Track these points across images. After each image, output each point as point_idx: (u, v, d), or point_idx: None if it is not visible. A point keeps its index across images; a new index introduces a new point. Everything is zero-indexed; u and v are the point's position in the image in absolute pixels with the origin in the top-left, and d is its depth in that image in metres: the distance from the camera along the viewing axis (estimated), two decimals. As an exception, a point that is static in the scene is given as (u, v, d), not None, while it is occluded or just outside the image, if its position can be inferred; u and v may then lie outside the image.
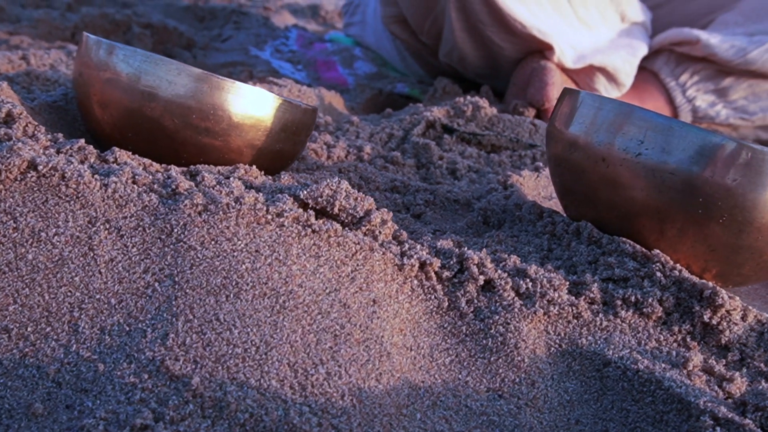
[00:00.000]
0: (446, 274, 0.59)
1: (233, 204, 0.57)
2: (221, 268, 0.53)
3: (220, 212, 0.56)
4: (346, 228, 0.60)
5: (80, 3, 1.82)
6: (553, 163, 0.70)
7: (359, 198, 0.61)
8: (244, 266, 0.54)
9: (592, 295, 0.59)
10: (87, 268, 0.53)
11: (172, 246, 0.54)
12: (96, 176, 0.57)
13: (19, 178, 0.56)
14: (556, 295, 0.58)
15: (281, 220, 0.57)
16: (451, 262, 0.60)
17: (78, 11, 1.69)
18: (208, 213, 0.56)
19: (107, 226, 0.55)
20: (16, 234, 0.53)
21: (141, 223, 0.55)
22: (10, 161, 0.55)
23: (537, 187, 0.91)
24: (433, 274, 0.59)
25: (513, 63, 1.35)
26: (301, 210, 0.58)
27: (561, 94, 0.71)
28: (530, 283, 0.59)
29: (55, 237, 0.54)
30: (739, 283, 0.66)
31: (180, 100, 0.66)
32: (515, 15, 1.22)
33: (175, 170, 0.63)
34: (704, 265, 0.63)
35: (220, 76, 0.68)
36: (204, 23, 1.96)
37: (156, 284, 0.53)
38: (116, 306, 0.52)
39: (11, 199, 0.55)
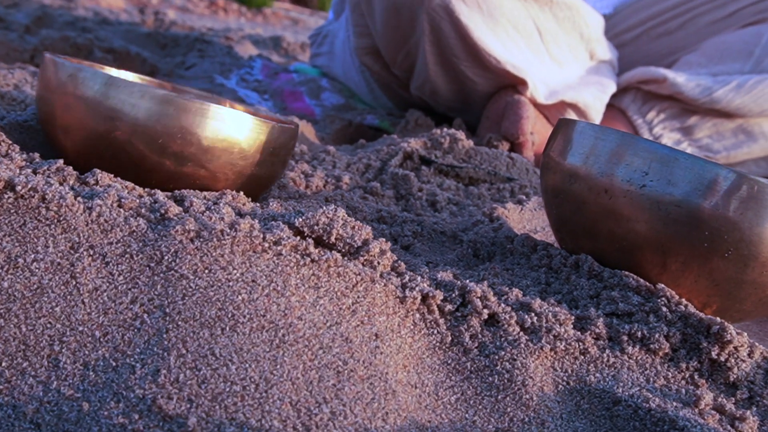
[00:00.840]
0: (448, 307, 0.57)
1: (228, 231, 0.53)
2: (216, 298, 0.50)
3: (214, 239, 0.53)
4: (344, 258, 0.57)
5: (39, 25, 1.77)
6: (549, 194, 0.68)
7: (357, 227, 0.59)
8: (240, 297, 0.50)
9: (597, 330, 0.57)
10: (69, 297, 0.49)
11: (162, 275, 0.51)
12: (79, 199, 0.53)
13: (-6, 200, 0.51)
14: (563, 330, 0.56)
15: (278, 248, 0.54)
16: (453, 295, 0.58)
17: (37, 34, 1.64)
18: (201, 240, 0.53)
19: (91, 253, 0.51)
20: (-10, 260, 0.49)
21: (128, 250, 0.51)
22: (-14, 181, 0.51)
23: (522, 220, 0.89)
24: (435, 307, 0.57)
25: (485, 97, 1.34)
26: (298, 238, 0.55)
27: (557, 124, 0.70)
28: (535, 318, 0.57)
29: (34, 263, 0.49)
30: (738, 319, 0.65)
31: (145, 124, 0.63)
32: (490, 50, 1.22)
33: (161, 194, 0.59)
34: (706, 300, 0.62)
35: (186, 97, 0.65)
36: (166, 50, 1.92)
37: (145, 316, 0.49)
38: (101, 339, 0.47)
39: (-15, 222, 0.51)
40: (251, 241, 0.53)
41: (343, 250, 0.58)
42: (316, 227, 0.57)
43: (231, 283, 0.51)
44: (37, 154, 0.61)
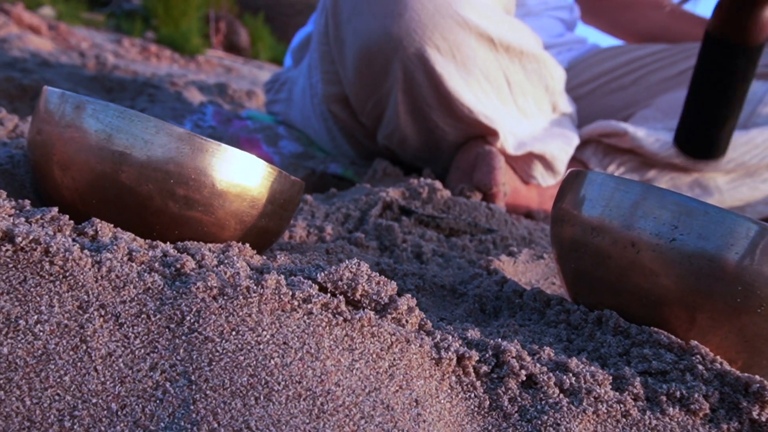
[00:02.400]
0: (484, 368, 0.53)
1: (254, 288, 0.48)
2: (247, 363, 0.45)
3: (240, 297, 0.48)
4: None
5: (-23, 65, 1.67)
6: (566, 247, 0.66)
7: (382, 282, 0.55)
8: (272, 362, 0.45)
9: (635, 390, 0.54)
10: (79, 364, 0.43)
11: (184, 337, 0.45)
12: (86, 252, 0.47)
13: (-10, 253, 0.45)
14: (602, 391, 0.53)
15: (309, 306, 0.49)
16: (487, 355, 0.54)
17: (-23, 73, 1.55)
18: (226, 298, 0.48)
19: (102, 313, 0.45)
20: (-14, 322, 0.43)
21: (144, 310, 0.46)
22: (-19, 231, 0.45)
23: (516, 272, 0.87)
24: (471, 368, 0.53)
25: (454, 147, 1.33)
26: (329, 295, 0.51)
27: (569, 175, 0.68)
28: (573, 378, 0.54)
29: (38, 326, 0.43)
30: (762, 375, 0.63)
31: (158, 163, 0.58)
32: (463, 100, 1.21)
33: (170, 247, 0.54)
34: (733, 356, 0.60)
35: (203, 136, 0.60)
36: (112, 94, 1.85)
37: (168, 384, 0.43)
38: (119, 413, 0.42)
39: (-21, 278, 0.44)
40: (279, 299, 0.49)
41: (368, 307, 0.53)
42: (340, 282, 0.53)
43: (261, 346, 0.46)
44: (27, 201, 0.54)
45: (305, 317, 0.49)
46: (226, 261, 0.53)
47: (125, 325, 0.45)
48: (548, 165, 1.36)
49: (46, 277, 0.45)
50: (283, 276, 0.51)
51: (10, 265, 0.45)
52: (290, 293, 0.49)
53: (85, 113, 0.58)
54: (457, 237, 1.04)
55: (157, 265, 0.49)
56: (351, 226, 0.99)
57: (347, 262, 0.54)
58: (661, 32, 1.84)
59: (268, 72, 6.30)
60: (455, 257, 0.95)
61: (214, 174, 0.59)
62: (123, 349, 0.44)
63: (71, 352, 0.43)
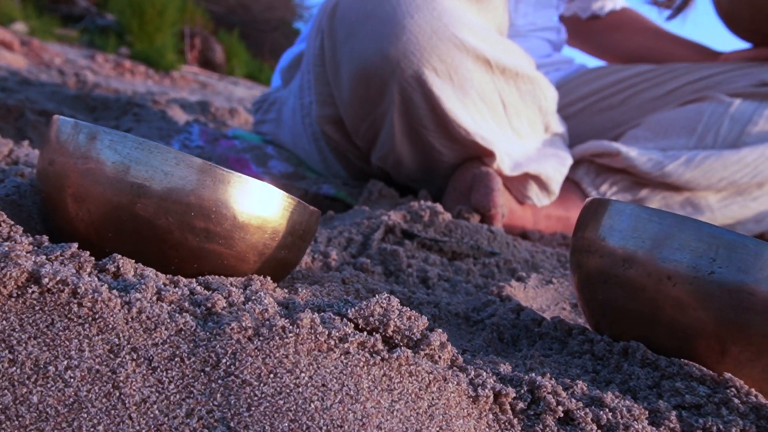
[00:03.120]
0: (520, 405, 0.52)
1: (289, 327, 0.47)
2: (286, 408, 0.43)
3: (276, 338, 0.46)
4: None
5: (-42, 85, 1.63)
6: (593, 278, 0.65)
7: (413, 317, 0.53)
8: (312, 405, 0.44)
9: (671, 425, 0.53)
10: (113, 412, 0.41)
11: (220, 381, 0.43)
12: (114, 292, 0.45)
13: (15, 295, 0.43)
14: (640, 426, 0.52)
15: (345, 346, 0.48)
16: (522, 391, 0.53)
17: (-43, 93, 1.51)
18: (261, 339, 0.46)
19: (134, 357, 0.43)
20: (13, 369, 0.40)
21: (177, 352, 0.44)
22: (5, 272, 0.43)
23: (527, 298, 0.86)
24: (507, 405, 0.51)
25: (449, 168, 1.33)
26: (365, 334, 0.49)
27: (592, 204, 0.67)
28: (609, 414, 0.53)
29: (68, 372, 0.41)
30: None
31: (177, 196, 0.56)
32: (460, 121, 1.21)
33: (193, 283, 0.52)
34: (763, 387, 0.60)
35: (221, 167, 0.58)
36: (96, 113, 1.81)
37: (206, 432, 0.41)
38: (157, 464, 0.39)
39: (5, 322, 0.42)
40: (316, 339, 0.47)
41: (401, 344, 0.52)
42: (371, 318, 0.51)
43: (300, 389, 0.44)
44: (45, 237, 0.52)
45: (342, 357, 0.47)
46: (253, 298, 0.51)
47: (159, 369, 0.43)
48: (543, 185, 1.36)
49: (75, 319, 0.43)
50: (316, 314, 0.49)
51: (37, 308, 0.43)
52: (326, 332, 0.47)
53: (101, 144, 0.56)
54: (461, 260, 1.02)
55: (186, 304, 0.47)
56: (354, 250, 0.98)
57: (377, 297, 0.53)
58: (647, 53, 1.86)
59: (243, 88, 6.27)
60: (461, 282, 0.94)
61: (235, 206, 0.57)
62: (157, 395, 0.42)
63: (104, 399, 0.41)
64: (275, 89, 1.72)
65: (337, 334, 0.48)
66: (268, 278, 0.60)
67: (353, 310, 0.52)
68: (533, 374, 0.54)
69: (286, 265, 0.64)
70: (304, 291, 0.62)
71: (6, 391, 0.40)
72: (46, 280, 0.43)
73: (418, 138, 1.26)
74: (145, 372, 0.43)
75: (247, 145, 1.72)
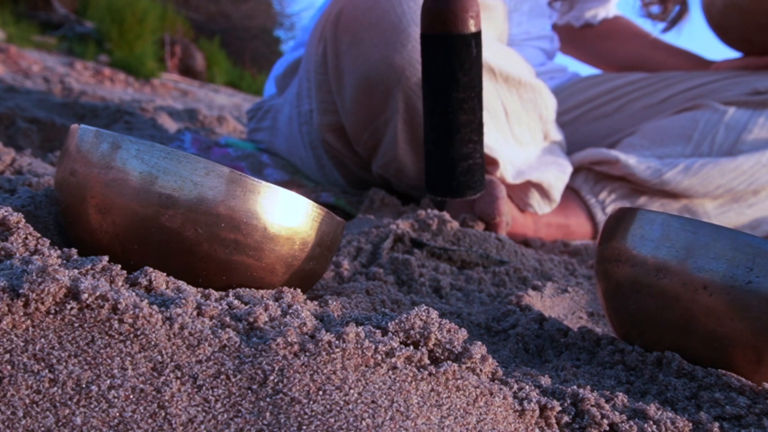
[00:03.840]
0: (565, 419, 0.51)
1: (335, 342, 0.45)
2: (338, 427, 0.41)
3: (323, 353, 0.44)
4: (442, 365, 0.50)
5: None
6: (622, 287, 0.64)
7: (452, 329, 0.52)
8: (364, 423, 0.42)
9: (715, 437, 0.53)
10: (160, 433, 0.39)
11: (269, 399, 0.41)
12: (154, 307, 0.43)
13: (53, 311, 0.41)
14: (685, 439, 0.51)
15: (392, 360, 0.46)
16: (566, 404, 0.51)
17: (-55, 101, 1.47)
18: (308, 354, 0.44)
19: (179, 375, 0.41)
20: (55, 389, 0.38)
21: (222, 370, 0.42)
22: (43, 288, 0.41)
23: (545, 307, 0.85)
24: (553, 419, 0.50)
25: (452, 176, 1.31)
26: (411, 348, 0.48)
27: (621, 213, 0.66)
28: (654, 427, 0.52)
29: (111, 391, 0.39)
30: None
31: (206, 206, 0.54)
32: (464, 129, 1.20)
33: (230, 297, 0.50)
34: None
35: (249, 176, 0.56)
36: (85, 121, 1.78)
37: (257, 453, 0.39)
38: (208, 487, 0.38)
39: (43, 340, 0.40)
40: (363, 353, 0.45)
41: (442, 357, 0.50)
42: (411, 332, 0.50)
43: (350, 406, 0.43)
44: (74, 250, 0.50)
45: (390, 372, 0.46)
46: (290, 311, 0.50)
47: (204, 388, 0.41)
48: (545, 193, 1.36)
49: (116, 336, 0.41)
50: (360, 328, 0.48)
51: (76, 324, 0.41)
52: (373, 347, 0.46)
53: (127, 153, 0.54)
54: (470, 269, 1.01)
55: (228, 319, 0.46)
56: (364, 260, 0.96)
57: (416, 309, 0.51)
58: (640, 61, 1.87)
59: (224, 96, 6.24)
60: (474, 291, 0.93)
61: (265, 217, 0.56)
62: (204, 414, 0.40)
63: (150, 420, 0.39)
64: (269, 97, 1.70)
65: (384, 348, 0.46)
66: (298, 290, 0.58)
67: (393, 323, 0.50)
68: (574, 386, 0.53)
69: (312, 276, 0.63)
70: (334, 303, 0.60)
71: (48, 412, 0.38)
72: (86, 295, 0.41)
73: (421, 146, 1.25)
74: (190, 390, 0.41)
75: (242, 153, 1.70)
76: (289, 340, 0.44)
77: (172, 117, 2.35)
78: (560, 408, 0.51)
